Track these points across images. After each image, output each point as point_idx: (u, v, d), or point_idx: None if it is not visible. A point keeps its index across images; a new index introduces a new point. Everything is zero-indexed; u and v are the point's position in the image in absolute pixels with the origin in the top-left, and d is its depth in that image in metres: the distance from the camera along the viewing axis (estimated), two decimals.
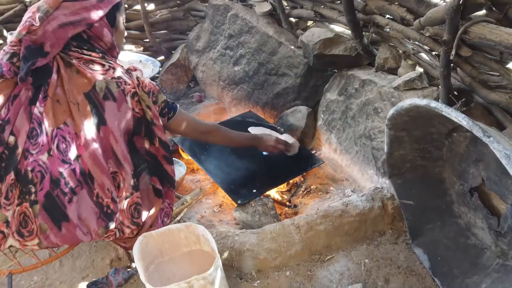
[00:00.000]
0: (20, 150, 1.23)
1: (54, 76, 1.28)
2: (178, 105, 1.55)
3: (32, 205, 1.22)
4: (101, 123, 1.29)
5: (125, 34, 1.54)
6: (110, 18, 1.39)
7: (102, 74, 1.30)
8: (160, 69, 3.21)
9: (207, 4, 3.03)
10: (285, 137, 2.10)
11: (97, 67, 1.31)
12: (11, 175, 1.21)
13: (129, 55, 3.00)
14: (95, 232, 1.30)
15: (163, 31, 3.44)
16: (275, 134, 2.13)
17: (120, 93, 1.31)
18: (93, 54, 1.33)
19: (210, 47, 3.00)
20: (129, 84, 1.34)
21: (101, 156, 1.29)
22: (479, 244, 1.49)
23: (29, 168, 1.22)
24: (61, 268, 1.70)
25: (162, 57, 3.45)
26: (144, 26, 3.17)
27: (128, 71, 1.38)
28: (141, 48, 3.52)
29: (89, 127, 1.27)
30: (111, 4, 1.38)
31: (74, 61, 1.29)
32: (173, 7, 3.35)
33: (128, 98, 1.33)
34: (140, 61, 2.88)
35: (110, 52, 1.42)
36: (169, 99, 1.50)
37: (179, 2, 3.32)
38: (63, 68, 1.28)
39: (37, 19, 1.25)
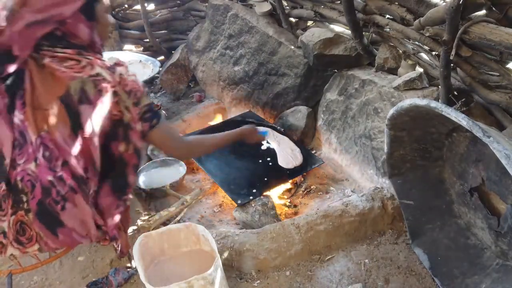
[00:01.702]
0: (8, 160, 1.18)
1: (28, 81, 1.18)
2: (162, 115, 1.37)
3: (26, 213, 1.20)
4: (78, 127, 1.20)
5: (110, 23, 1.35)
6: (87, 11, 1.21)
7: (78, 72, 1.18)
8: (160, 69, 3.21)
9: (207, 4, 3.03)
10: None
11: (72, 65, 1.18)
12: (2, 186, 1.18)
13: (129, 55, 2.99)
14: (95, 236, 1.29)
15: (163, 31, 3.44)
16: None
17: (97, 94, 1.19)
18: (68, 51, 1.19)
19: (210, 47, 3.00)
20: (108, 82, 1.20)
21: (82, 160, 1.23)
22: (479, 244, 1.49)
23: (19, 178, 1.18)
24: (61, 268, 1.71)
25: (162, 57, 3.45)
26: (144, 26, 3.17)
27: (112, 67, 1.23)
28: (141, 48, 3.52)
29: (64, 132, 1.20)
30: None
31: (46, 61, 1.17)
32: (173, 7, 3.35)
33: (105, 99, 1.20)
34: (140, 61, 2.87)
35: (91, 48, 1.25)
36: (154, 105, 1.32)
37: (179, 2, 3.32)
38: (35, 71, 1.18)
39: (3, 18, 1.12)
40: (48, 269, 1.70)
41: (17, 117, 1.18)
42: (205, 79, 3.11)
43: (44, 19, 1.14)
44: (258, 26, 2.55)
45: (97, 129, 1.22)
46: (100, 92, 1.19)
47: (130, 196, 1.38)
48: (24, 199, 1.19)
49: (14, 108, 1.18)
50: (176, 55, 3.25)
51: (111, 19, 1.36)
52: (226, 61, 2.86)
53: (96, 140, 1.22)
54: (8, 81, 1.17)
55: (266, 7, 2.54)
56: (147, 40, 3.35)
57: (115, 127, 1.25)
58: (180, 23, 3.38)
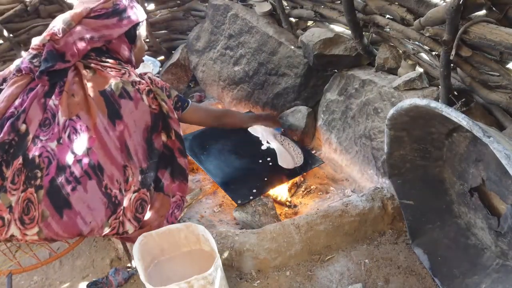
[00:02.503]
0: (30, 136, 1.28)
1: (71, 74, 1.36)
2: (189, 100, 1.64)
3: (37, 190, 1.25)
4: (116, 117, 1.36)
5: (145, 48, 1.64)
6: (130, 35, 1.51)
7: (119, 76, 1.40)
8: (160, 69, 3.21)
9: (207, 4, 3.03)
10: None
11: (113, 71, 1.42)
12: (19, 160, 1.25)
13: None
14: (101, 222, 1.33)
15: (163, 31, 3.44)
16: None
17: (136, 92, 1.40)
18: (110, 61, 1.44)
19: (210, 47, 3.00)
20: (143, 84, 1.44)
21: (113, 148, 1.35)
22: (479, 244, 1.49)
23: (37, 153, 1.26)
24: (61, 268, 1.71)
25: (162, 57, 3.45)
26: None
27: (141, 75, 1.50)
28: None
29: (102, 120, 1.33)
30: (132, 23, 1.49)
31: (92, 64, 1.39)
32: (173, 7, 3.35)
33: (144, 96, 1.43)
34: None
35: (128, 63, 1.53)
36: (180, 94, 1.59)
37: (179, 2, 3.32)
38: (82, 68, 1.38)
39: (60, 30, 1.35)
40: (48, 269, 1.70)
41: (52, 101, 1.33)
42: (205, 79, 3.11)
43: (96, 36, 1.40)
44: (258, 26, 2.56)
45: (139, 122, 1.41)
46: (138, 90, 1.41)
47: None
48: (39, 174, 1.26)
49: (51, 94, 1.34)
50: (176, 55, 3.25)
51: (145, 46, 1.64)
52: (226, 61, 2.86)
53: (132, 131, 1.40)
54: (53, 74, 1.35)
55: (266, 7, 2.54)
56: (147, 40, 3.35)
57: (156, 120, 1.47)
58: (180, 23, 3.38)
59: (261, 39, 2.53)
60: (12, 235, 1.25)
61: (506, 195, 1.31)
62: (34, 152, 1.26)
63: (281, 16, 2.45)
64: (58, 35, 1.34)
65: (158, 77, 3.16)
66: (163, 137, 1.53)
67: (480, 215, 1.44)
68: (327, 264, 1.62)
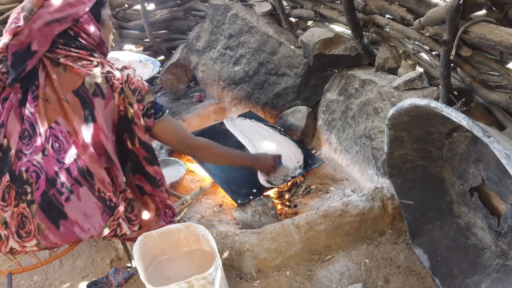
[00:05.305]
0: (13, 151, 1.23)
1: (42, 76, 1.28)
2: (167, 110, 1.51)
3: (29, 205, 1.22)
4: (91, 120, 1.29)
5: (113, 30, 1.52)
6: (95, 14, 1.38)
7: (91, 70, 1.30)
8: (160, 69, 3.21)
9: (207, 4, 3.03)
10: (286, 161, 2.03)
11: (85, 64, 1.31)
12: (6, 177, 1.21)
13: (129, 55, 2.99)
14: (100, 227, 1.31)
15: (163, 31, 3.44)
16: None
17: (109, 89, 1.31)
18: (81, 51, 1.32)
19: (210, 47, 3.00)
20: (117, 79, 1.33)
21: (96, 151, 1.30)
22: (479, 244, 1.49)
23: (23, 169, 1.22)
24: (61, 268, 1.71)
25: (162, 57, 3.45)
26: (144, 26, 3.17)
27: (121, 69, 1.38)
28: (141, 48, 3.52)
29: (81, 124, 1.27)
30: None
31: (61, 59, 1.28)
32: (173, 7, 3.35)
33: (116, 95, 1.33)
34: (140, 61, 2.87)
35: (100, 49, 1.40)
36: (158, 102, 1.46)
37: (179, 2, 3.32)
38: (50, 68, 1.28)
39: (21, 19, 1.24)
40: (48, 269, 1.70)
41: (28, 109, 1.26)
42: (205, 79, 3.11)
43: (62, 17, 1.28)
44: (258, 26, 2.55)
45: (108, 121, 1.33)
46: (111, 87, 1.31)
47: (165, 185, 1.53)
48: (28, 190, 1.22)
49: (25, 102, 1.26)
50: (176, 55, 3.25)
51: (112, 26, 1.51)
52: (226, 61, 2.86)
53: (107, 132, 1.32)
54: (23, 78, 1.26)
55: (266, 7, 2.54)
56: (147, 40, 3.35)
57: (121, 122, 1.37)
58: (180, 23, 3.38)
59: (261, 39, 2.53)
60: (11, 248, 1.25)
61: (506, 195, 1.31)
62: (20, 167, 1.23)
63: (281, 16, 2.45)
64: (21, 25, 1.23)
65: (157, 76, 3.19)
66: (128, 143, 1.42)
67: (480, 215, 1.44)
68: (327, 264, 1.62)
